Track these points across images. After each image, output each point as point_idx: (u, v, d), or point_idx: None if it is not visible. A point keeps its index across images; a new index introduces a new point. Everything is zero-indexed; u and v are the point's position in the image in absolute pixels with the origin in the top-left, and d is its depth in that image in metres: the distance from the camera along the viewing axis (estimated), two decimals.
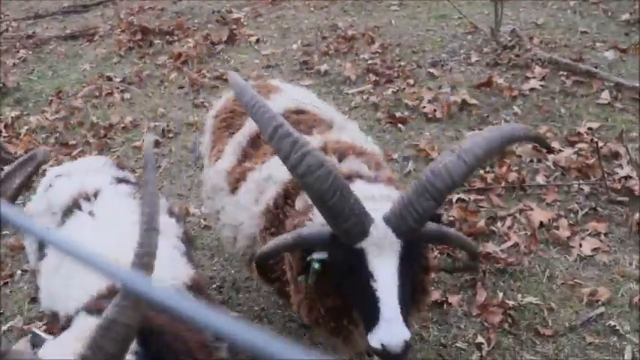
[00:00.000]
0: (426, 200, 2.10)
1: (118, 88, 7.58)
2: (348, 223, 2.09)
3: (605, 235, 4.42)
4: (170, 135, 6.49)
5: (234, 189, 3.11)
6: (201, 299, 2.53)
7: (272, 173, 2.87)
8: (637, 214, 4.47)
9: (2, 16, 10.72)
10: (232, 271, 4.52)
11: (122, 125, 6.75)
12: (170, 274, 2.41)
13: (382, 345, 2.06)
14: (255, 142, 3.18)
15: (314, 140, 2.79)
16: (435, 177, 2.10)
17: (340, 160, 2.71)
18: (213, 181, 3.41)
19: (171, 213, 3.11)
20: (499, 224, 4.53)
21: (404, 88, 6.43)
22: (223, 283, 4.42)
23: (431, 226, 2.27)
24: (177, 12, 9.69)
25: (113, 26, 9.42)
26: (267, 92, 3.47)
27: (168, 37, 8.63)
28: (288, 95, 3.49)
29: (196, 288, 2.56)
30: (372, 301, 2.08)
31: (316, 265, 2.24)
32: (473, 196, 4.84)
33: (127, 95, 7.42)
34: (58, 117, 7.15)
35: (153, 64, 8.09)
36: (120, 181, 3.08)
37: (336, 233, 2.16)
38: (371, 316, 2.10)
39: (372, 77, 6.74)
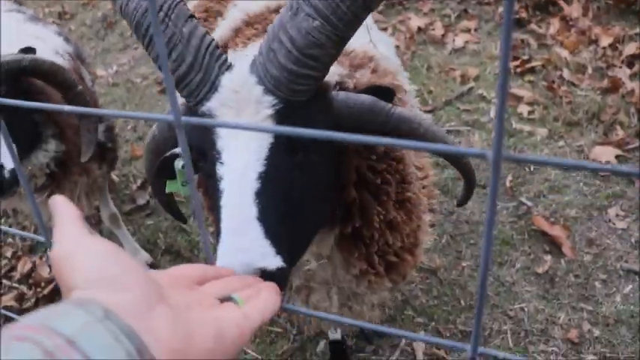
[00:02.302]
0: (305, 19, 1.19)
1: None
2: (184, 67, 1.27)
3: (475, 30, 4.96)
4: (67, 17, 6.52)
5: None
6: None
7: None
8: (500, 9, 5.02)
9: None
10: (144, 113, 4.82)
11: None
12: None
13: None
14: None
15: None
16: None
17: None
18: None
19: (59, 33, 3.37)
20: None
21: None
22: (137, 123, 4.74)
23: (356, 97, 1.39)
24: None
25: None
26: None
27: None
28: None
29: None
30: (218, 203, 1.27)
31: (180, 164, 1.52)
32: None
33: None
34: None
35: None
36: (14, 10, 3.36)
37: (177, 91, 1.34)
38: (218, 230, 1.25)
39: None
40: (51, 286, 3.45)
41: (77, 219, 0.79)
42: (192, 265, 0.92)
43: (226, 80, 1.27)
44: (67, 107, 0.98)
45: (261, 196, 1.21)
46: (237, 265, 1.10)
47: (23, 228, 3.97)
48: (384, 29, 5.04)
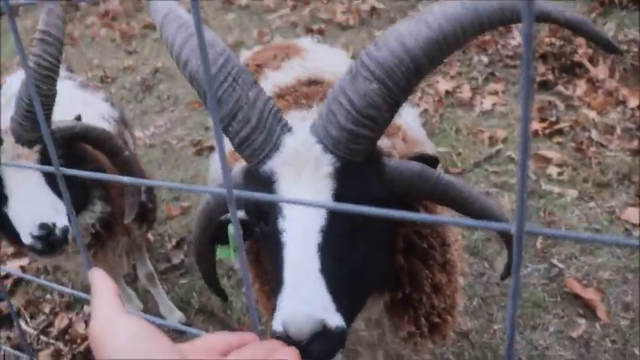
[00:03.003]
0: (363, 82, 1.29)
1: None
2: (248, 128, 1.36)
3: (503, 92, 5.07)
4: (108, 80, 6.85)
5: None
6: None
7: None
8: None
9: None
10: (179, 173, 4.99)
11: None
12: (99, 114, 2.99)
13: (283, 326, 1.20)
14: None
15: (310, 114, 1.94)
16: (378, 48, 1.30)
17: None
18: (211, 169, 2.85)
19: (105, 100, 3.57)
20: None
21: (319, 7, 6.95)
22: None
23: (406, 163, 1.49)
24: None
25: None
26: (284, 56, 2.89)
27: None
28: (309, 61, 2.79)
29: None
30: (279, 256, 1.32)
31: (231, 229, 1.58)
32: None
33: None
34: None
35: (82, 25, 8.39)
36: (66, 78, 3.59)
37: (238, 153, 1.44)
38: (278, 284, 1.29)
39: (290, 3, 7.23)
40: (87, 343, 3.51)
41: (114, 295, 0.87)
42: (215, 336, 0.96)
43: (288, 140, 1.37)
44: (125, 179, 1.07)
45: (323, 249, 1.27)
46: (300, 316, 1.14)
47: (61, 284, 4.08)
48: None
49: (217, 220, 1.63)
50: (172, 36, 1.46)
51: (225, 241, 1.63)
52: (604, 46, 1.45)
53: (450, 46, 1.26)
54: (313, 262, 1.24)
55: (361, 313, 1.64)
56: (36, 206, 2.13)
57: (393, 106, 1.31)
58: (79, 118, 2.39)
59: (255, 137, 1.37)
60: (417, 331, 1.76)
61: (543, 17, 1.32)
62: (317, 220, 1.30)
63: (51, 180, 2.16)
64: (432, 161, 1.53)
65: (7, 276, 4.14)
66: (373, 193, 1.40)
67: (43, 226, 2.11)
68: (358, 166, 1.36)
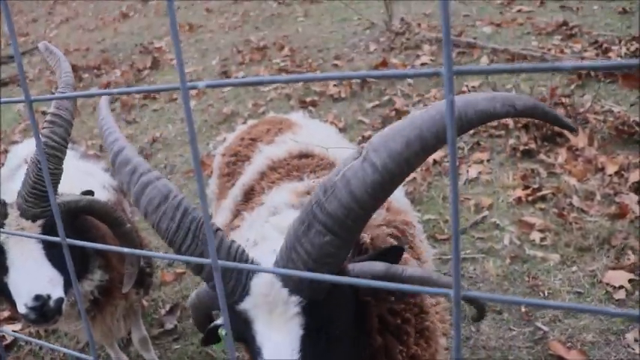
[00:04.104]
0: (317, 235, 1.36)
1: None
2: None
3: (488, 161, 5.28)
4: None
5: None
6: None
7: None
8: (511, 141, 5.36)
9: None
10: None
11: None
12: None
13: None
14: (248, 194, 2.57)
15: (301, 186, 2.19)
16: (327, 198, 1.33)
17: None
18: None
19: (106, 170, 3.75)
20: None
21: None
22: (167, 249, 4.99)
23: (370, 266, 1.58)
24: (103, 49, 10.37)
25: (41, 70, 10.01)
26: (277, 130, 3.04)
27: (95, 71, 9.30)
28: (300, 135, 2.90)
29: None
30: None
31: (223, 332, 1.73)
32: None
33: None
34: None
35: None
36: (69, 149, 3.79)
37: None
38: None
39: (285, 75, 7.56)
40: None
41: None
42: None
43: (255, 286, 1.45)
44: (125, 249, 1.22)
45: None
46: None
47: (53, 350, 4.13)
48: None
49: (209, 324, 1.79)
50: (127, 184, 1.55)
51: (218, 341, 1.78)
52: (556, 124, 1.53)
53: (395, 184, 1.31)
54: None
55: None
56: (33, 279, 2.24)
57: (347, 248, 1.41)
58: (87, 192, 2.54)
59: (226, 283, 1.45)
60: None
61: (489, 117, 1.32)
62: (294, 351, 1.43)
63: (50, 254, 2.28)
64: (396, 250, 1.65)
65: (1, 337, 4.19)
66: (341, 306, 1.53)
67: (37, 297, 2.21)
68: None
